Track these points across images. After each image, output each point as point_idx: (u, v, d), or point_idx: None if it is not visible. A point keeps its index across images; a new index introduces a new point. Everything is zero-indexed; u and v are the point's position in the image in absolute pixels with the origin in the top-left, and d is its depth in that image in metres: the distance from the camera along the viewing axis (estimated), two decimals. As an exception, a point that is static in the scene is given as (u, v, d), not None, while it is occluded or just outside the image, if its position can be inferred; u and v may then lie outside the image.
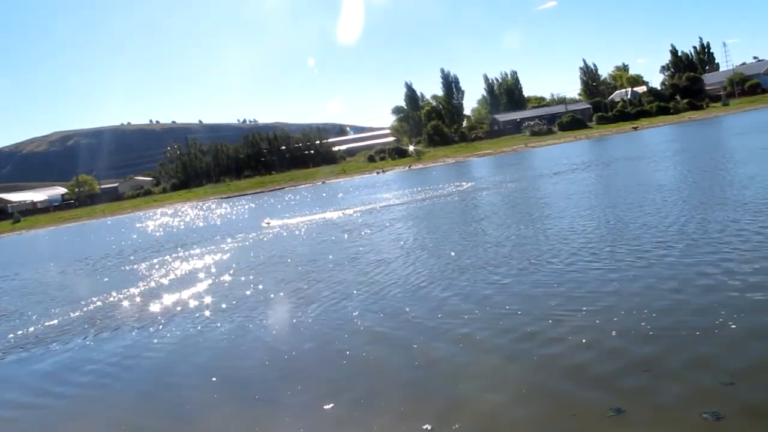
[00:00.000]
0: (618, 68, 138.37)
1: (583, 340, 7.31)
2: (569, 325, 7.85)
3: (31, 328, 13.13)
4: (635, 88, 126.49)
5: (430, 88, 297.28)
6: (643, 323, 7.53)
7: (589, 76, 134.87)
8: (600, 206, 18.10)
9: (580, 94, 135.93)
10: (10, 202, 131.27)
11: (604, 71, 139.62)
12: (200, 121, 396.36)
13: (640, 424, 5.33)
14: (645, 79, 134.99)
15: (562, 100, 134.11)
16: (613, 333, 7.39)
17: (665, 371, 6.23)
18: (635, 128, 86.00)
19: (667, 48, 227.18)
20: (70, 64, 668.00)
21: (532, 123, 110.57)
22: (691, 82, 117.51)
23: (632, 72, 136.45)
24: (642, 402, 5.66)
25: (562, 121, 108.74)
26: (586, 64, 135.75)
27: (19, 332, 12.87)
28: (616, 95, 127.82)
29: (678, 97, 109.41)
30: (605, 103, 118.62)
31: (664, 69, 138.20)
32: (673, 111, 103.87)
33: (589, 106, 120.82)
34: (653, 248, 11.18)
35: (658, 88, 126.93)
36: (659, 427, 5.24)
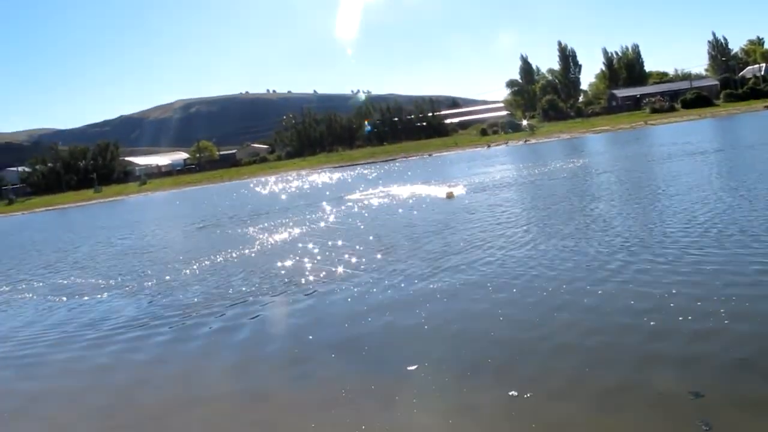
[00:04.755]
0: (751, 42, 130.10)
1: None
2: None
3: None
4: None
5: (546, 62, 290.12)
6: None
7: (719, 50, 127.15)
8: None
9: (707, 70, 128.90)
10: (138, 165, 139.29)
11: (736, 45, 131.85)
12: (315, 92, 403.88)
13: None
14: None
15: (687, 76, 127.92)
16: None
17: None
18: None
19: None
20: (193, 35, 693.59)
21: (653, 99, 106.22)
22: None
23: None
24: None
25: (685, 98, 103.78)
26: (715, 37, 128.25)
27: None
28: (748, 71, 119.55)
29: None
30: (735, 80, 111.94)
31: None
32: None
33: (716, 82, 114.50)
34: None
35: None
36: None
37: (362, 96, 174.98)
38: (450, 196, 24.36)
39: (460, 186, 27.85)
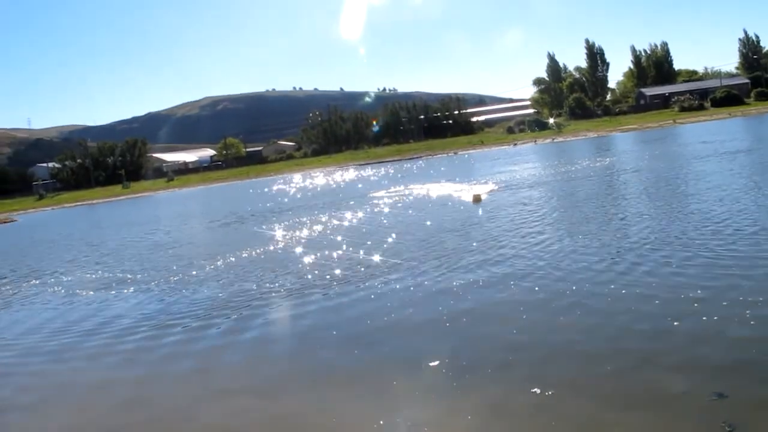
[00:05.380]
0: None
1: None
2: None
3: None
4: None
5: (574, 60, 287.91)
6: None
7: (750, 47, 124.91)
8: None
9: (737, 68, 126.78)
10: (165, 162, 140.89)
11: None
12: (341, 89, 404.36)
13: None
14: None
15: (717, 74, 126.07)
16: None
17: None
18: (799, 106, 79.63)
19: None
20: (221, 32, 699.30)
21: (682, 98, 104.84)
22: None
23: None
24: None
25: (715, 96, 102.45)
26: (746, 34, 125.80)
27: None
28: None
29: None
30: (766, 78, 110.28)
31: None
32: None
33: (747, 80, 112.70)
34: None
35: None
36: None
37: (369, 98, 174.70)
38: (477, 199, 22.42)
39: (490, 184, 27.59)
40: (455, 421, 5.71)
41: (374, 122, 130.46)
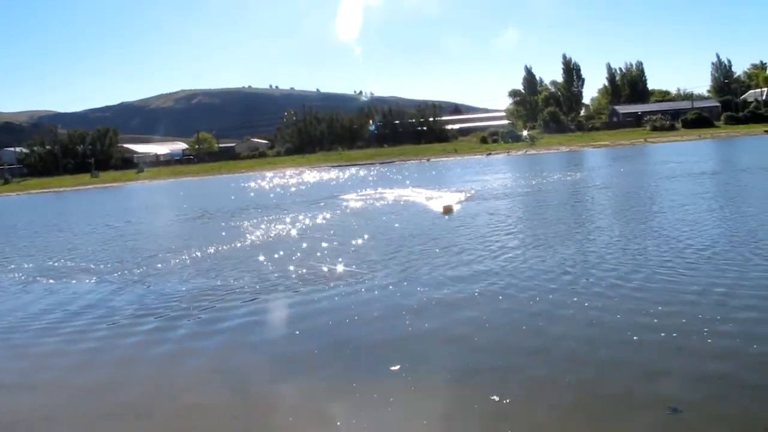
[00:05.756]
0: (755, 66, 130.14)
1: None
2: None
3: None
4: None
5: (550, 74, 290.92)
6: None
7: (722, 72, 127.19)
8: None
9: (709, 91, 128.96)
10: (136, 153, 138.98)
11: (739, 68, 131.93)
12: (318, 90, 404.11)
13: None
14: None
15: (689, 96, 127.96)
16: None
17: None
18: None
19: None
20: (198, 26, 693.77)
21: (654, 117, 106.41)
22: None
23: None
24: None
25: (686, 117, 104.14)
26: (719, 59, 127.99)
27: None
28: (750, 95, 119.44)
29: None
30: (736, 102, 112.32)
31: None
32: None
33: (717, 104, 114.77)
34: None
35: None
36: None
37: (365, 98, 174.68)
38: (448, 210, 21.09)
39: (462, 193, 27.43)
40: (428, 427, 5.70)
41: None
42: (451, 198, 24.96)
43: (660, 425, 5.27)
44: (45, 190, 77.72)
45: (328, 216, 22.72)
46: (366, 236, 16.71)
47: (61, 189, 77.87)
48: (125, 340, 8.89)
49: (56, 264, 16.20)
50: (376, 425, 5.77)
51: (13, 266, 16.46)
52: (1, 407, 7.06)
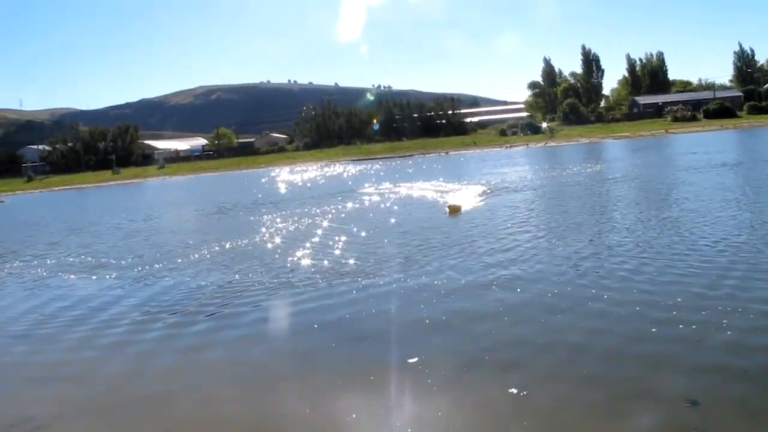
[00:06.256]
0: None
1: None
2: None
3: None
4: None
5: (569, 66, 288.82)
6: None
7: (744, 61, 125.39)
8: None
9: (731, 81, 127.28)
10: (157, 149, 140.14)
11: (762, 57, 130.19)
12: (336, 84, 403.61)
13: None
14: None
15: (711, 86, 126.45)
16: None
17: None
18: (790, 121, 79.97)
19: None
20: (218, 22, 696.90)
21: (675, 108, 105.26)
22: None
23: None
24: None
25: (708, 108, 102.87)
26: (741, 48, 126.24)
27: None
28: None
29: None
30: (759, 92, 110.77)
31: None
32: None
33: (740, 94, 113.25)
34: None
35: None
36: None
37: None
38: (455, 210, 19.14)
39: (478, 187, 27.23)
40: (443, 418, 5.72)
41: (374, 120, 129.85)
42: (467, 194, 24.31)
43: (680, 417, 5.25)
44: (67, 187, 78.55)
45: (348, 208, 22.83)
46: (384, 231, 16.76)
47: (83, 186, 78.67)
48: (145, 336, 8.98)
49: (83, 260, 16.40)
50: (393, 417, 5.80)
51: (35, 262, 16.67)
52: (27, 399, 7.17)
